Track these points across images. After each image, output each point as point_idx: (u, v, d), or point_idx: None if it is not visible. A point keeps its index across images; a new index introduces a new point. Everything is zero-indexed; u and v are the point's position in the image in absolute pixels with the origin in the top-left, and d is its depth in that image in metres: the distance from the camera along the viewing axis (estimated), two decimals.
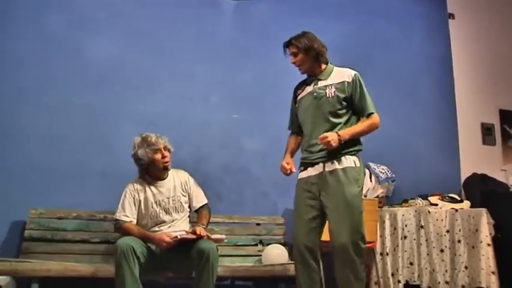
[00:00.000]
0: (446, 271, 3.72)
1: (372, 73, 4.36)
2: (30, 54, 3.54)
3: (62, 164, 3.48)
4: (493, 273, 3.69)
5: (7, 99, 3.44)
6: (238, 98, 4.06)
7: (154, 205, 2.92)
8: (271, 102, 4.04)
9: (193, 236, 2.78)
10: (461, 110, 4.88)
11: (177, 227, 2.93)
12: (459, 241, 3.80)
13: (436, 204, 3.99)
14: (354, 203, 2.54)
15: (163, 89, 3.85)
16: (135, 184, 2.96)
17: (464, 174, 4.69)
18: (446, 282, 3.70)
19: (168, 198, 2.95)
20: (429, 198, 4.09)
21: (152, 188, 2.96)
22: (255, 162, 3.97)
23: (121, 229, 2.86)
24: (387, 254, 3.65)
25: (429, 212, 3.82)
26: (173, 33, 3.97)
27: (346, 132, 2.59)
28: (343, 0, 4.62)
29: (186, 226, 3.00)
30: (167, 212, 2.94)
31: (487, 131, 5.03)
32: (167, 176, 3.02)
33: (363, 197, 3.86)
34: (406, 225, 3.76)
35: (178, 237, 2.75)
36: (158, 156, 2.89)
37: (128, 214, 2.86)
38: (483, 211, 3.88)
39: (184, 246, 2.74)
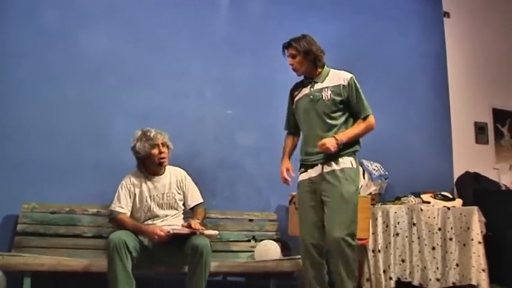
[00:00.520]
0: (437, 268, 3.75)
1: (367, 70, 4.39)
2: (26, 47, 3.51)
3: (56, 158, 3.47)
4: (483, 270, 3.72)
5: (1, 93, 3.41)
6: (232, 94, 4.06)
7: (149, 199, 2.94)
8: (265, 98, 4.05)
9: (186, 231, 2.79)
10: (455, 109, 4.91)
11: (170, 222, 2.95)
12: (451, 239, 3.82)
13: (429, 202, 4.02)
14: (350, 201, 2.62)
15: (158, 83, 3.84)
16: (131, 177, 2.98)
17: (457, 172, 4.72)
18: (438, 280, 3.72)
19: (162, 193, 2.98)
20: (422, 196, 4.12)
21: (148, 182, 2.98)
22: (248, 158, 3.98)
23: (115, 220, 2.89)
24: (379, 251, 3.67)
25: (421, 209, 3.84)
26: (169, 28, 3.96)
27: (344, 136, 2.66)
28: None
29: (179, 222, 3.00)
30: (161, 207, 2.96)
31: (480, 129, 5.06)
32: (164, 172, 3.04)
33: None
34: (398, 223, 3.78)
35: (171, 231, 2.75)
36: (155, 151, 2.92)
37: (122, 205, 2.89)
38: (475, 209, 3.90)
39: (177, 240, 2.75)
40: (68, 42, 3.64)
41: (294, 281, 3.45)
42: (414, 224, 3.79)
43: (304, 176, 2.78)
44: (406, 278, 3.71)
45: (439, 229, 3.83)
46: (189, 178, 3.12)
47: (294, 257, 3.15)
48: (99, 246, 3.23)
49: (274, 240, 3.54)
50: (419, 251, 3.76)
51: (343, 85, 2.72)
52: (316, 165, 2.71)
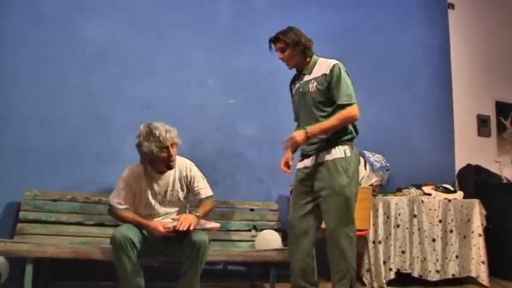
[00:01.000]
0: (437, 260, 3.77)
1: (370, 62, 4.38)
2: (27, 36, 3.51)
3: (58, 146, 3.48)
4: (482, 262, 3.74)
5: (3, 81, 3.42)
6: (235, 84, 4.05)
7: (150, 197, 2.80)
8: (267, 88, 4.04)
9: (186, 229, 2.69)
10: (458, 101, 4.89)
11: (171, 218, 2.86)
12: (451, 231, 3.84)
13: (430, 194, 4.02)
14: (342, 193, 2.59)
15: (160, 72, 3.84)
16: (134, 172, 2.79)
17: (459, 164, 4.71)
18: (437, 271, 3.74)
19: (165, 191, 2.83)
20: (423, 187, 4.12)
21: (151, 180, 2.81)
22: (250, 148, 3.98)
23: (115, 215, 2.79)
24: (379, 242, 3.68)
25: (422, 201, 3.85)
26: (171, 17, 3.95)
27: (317, 127, 2.60)
28: None
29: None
30: (162, 204, 2.84)
31: (482, 122, 5.05)
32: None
33: None
34: (399, 214, 3.79)
35: (171, 228, 2.68)
36: (164, 155, 2.70)
37: (122, 201, 2.74)
38: (476, 202, 3.91)
39: (177, 234, 2.69)
40: (69, 31, 3.63)
41: None
42: (415, 216, 3.80)
43: (300, 165, 2.80)
44: (406, 270, 3.73)
45: (440, 221, 3.84)
46: (194, 171, 2.91)
47: None
48: (101, 234, 3.26)
49: (275, 230, 3.56)
50: (420, 243, 3.77)
51: (325, 73, 2.66)
52: (311, 155, 2.72)
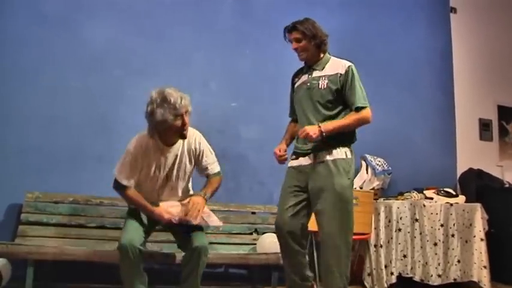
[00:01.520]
0: (439, 264, 3.76)
1: (372, 64, 4.38)
2: (29, 36, 3.51)
3: (59, 147, 3.48)
4: (484, 267, 3.73)
5: (4, 81, 3.42)
6: (237, 86, 4.05)
7: (157, 171, 2.65)
8: (270, 91, 4.04)
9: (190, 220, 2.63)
10: (460, 105, 4.89)
11: (176, 193, 2.75)
12: (453, 235, 3.83)
13: (432, 198, 4.02)
14: (343, 195, 2.51)
15: (161, 73, 3.83)
16: (141, 143, 2.61)
17: (461, 169, 4.71)
18: (439, 276, 3.73)
19: (173, 165, 2.67)
20: (425, 191, 4.11)
21: (159, 153, 2.64)
22: (252, 151, 3.98)
23: (119, 192, 2.65)
24: (381, 246, 3.67)
25: (424, 205, 3.84)
26: (173, 18, 3.95)
27: (330, 125, 2.53)
28: None
29: (187, 193, 2.82)
30: (169, 179, 2.69)
31: (484, 126, 5.05)
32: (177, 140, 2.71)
33: (359, 189, 3.92)
34: (400, 218, 3.78)
35: (176, 219, 2.62)
36: (178, 122, 2.52)
37: (128, 177, 2.59)
38: (478, 206, 3.91)
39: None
40: (71, 31, 3.64)
41: None
42: (416, 220, 3.79)
43: (293, 163, 2.68)
44: (407, 274, 3.72)
45: (442, 225, 3.83)
46: (203, 144, 2.75)
47: None
48: (102, 236, 3.26)
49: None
50: (421, 247, 3.76)
51: (341, 73, 2.60)
52: (309, 154, 2.61)
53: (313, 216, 2.63)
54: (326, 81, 2.61)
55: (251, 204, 3.76)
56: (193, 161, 2.74)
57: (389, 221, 3.76)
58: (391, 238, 3.72)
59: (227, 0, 4.18)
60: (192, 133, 2.72)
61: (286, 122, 3.03)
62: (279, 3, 4.25)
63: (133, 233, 2.56)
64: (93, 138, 3.56)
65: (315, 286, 2.74)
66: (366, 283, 3.66)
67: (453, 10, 5.08)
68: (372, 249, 3.65)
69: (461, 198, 4.11)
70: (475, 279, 3.75)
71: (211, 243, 3.44)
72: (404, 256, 3.74)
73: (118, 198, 3.17)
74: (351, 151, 2.63)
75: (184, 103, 2.52)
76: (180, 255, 2.76)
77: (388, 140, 4.35)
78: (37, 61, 3.52)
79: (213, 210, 3.57)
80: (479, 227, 3.83)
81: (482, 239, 3.80)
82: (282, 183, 2.73)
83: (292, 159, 2.72)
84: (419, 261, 3.75)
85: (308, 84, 2.66)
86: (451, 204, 3.90)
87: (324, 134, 2.49)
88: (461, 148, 4.80)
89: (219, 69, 4.02)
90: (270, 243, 3.37)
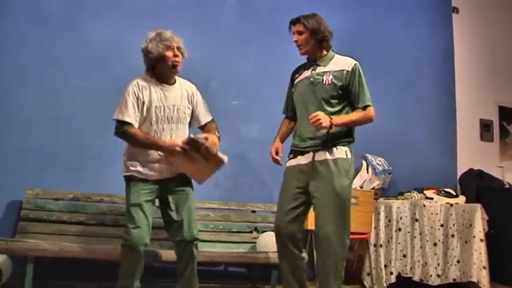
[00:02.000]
0: (438, 264, 3.76)
1: (373, 64, 4.36)
2: (31, 35, 3.52)
3: (60, 145, 3.48)
4: (484, 268, 3.73)
5: (6, 80, 3.42)
6: (238, 85, 4.05)
7: (157, 110, 2.62)
8: (271, 90, 4.03)
9: (204, 139, 2.60)
10: (461, 105, 4.88)
11: (176, 137, 2.67)
12: (453, 235, 3.83)
13: (432, 198, 4.02)
14: (343, 195, 2.51)
15: None
16: (140, 82, 2.66)
17: (461, 169, 4.71)
18: (438, 276, 3.74)
19: (173, 105, 2.67)
20: (425, 191, 4.11)
21: (158, 90, 2.65)
22: (252, 150, 3.97)
23: (124, 134, 2.59)
24: (381, 245, 3.67)
25: (424, 205, 3.84)
26: (175, 17, 3.94)
27: (340, 119, 2.54)
28: None
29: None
30: (169, 120, 2.66)
31: (485, 127, 5.04)
32: (175, 82, 2.75)
33: (359, 188, 3.93)
34: (400, 218, 3.78)
35: (192, 136, 2.56)
36: (169, 53, 2.62)
37: (130, 115, 2.57)
38: (478, 207, 3.90)
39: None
40: (73, 31, 3.64)
41: None
42: (416, 220, 3.79)
43: (292, 163, 2.66)
44: (406, 274, 3.72)
45: (441, 225, 3.83)
46: (198, 93, 2.84)
47: None
48: (101, 234, 3.27)
49: None
50: (421, 247, 3.77)
51: (347, 71, 2.61)
52: (308, 152, 2.59)
53: (312, 216, 2.64)
54: (331, 77, 2.61)
55: (251, 202, 3.76)
56: (190, 106, 2.78)
57: (389, 221, 3.76)
58: (391, 238, 3.72)
59: (229, 0, 4.17)
60: (189, 83, 2.83)
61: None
62: (281, 3, 4.24)
63: (143, 229, 2.52)
64: (94, 137, 3.55)
65: None
66: (365, 282, 3.66)
67: (455, 10, 5.07)
68: (372, 248, 3.65)
69: (462, 199, 4.11)
70: (474, 279, 3.75)
71: (211, 241, 3.46)
72: (404, 256, 3.74)
73: (118, 195, 3.20)
74: (351, 151, 2.63)
75: (176, 38, 2.66)
76: (164, 252, 2.80)
77: (389, 140, 4.35)
78: (39, 61, 3.53)
79: (213, 208, 3.62)
80: (479, 227, 3.83)
81: (482, 240, 3.80)
82: (281, 183, 2.72)
83: (290, 158, 2.70)
84: (419, 261, 3.75)
85: (311, 79, 2.65)
86: (451, 205, 3.90)
87: (333, 126, 2.50)
88: (461, 148, 4.80)
89: (220, 68, 4.01)
90: (270, 241, 3.37)
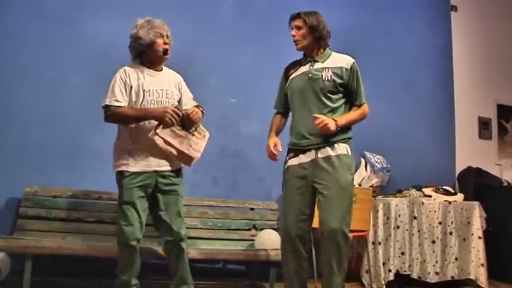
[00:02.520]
0: (436, 262, 3.77)
1: (372, 62, 4.37)
2: (29, 32, 3.51)
3: (59, 142, 3.48)
4: (482, 265, 3.74)
5: (5, 77, 3.42)
6: (237, 82, 4.04)
7: (147, 94, 2.63)
8: (270, 87, 3.98)
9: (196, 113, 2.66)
10: (460, 103, 4.89)
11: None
12: (451, 233, 3.84)
13: (430, 196, 4.02)
14: (347, 191, 2.54)
15: None
16: (127, 68, 2.67)
17: (459, 167, 4.72)
18: (436, 273, 3.74)
19: (162, 90, 2.68)
20: (423, 189, 4.12)
21: (146, 75, 2.67)
22: (251, 147, 3.97)
23: (113, 115, 2.59)
24: (379, 243, 3.68)
25: (423, 203, 3.85)
26: (174, 14, 3.92)
27: (343, 120, 2.58)
28: None
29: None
30: (158, 104, 2.65)
31: (484, 125, 5.05)
32: (162, 69, 2.77)
33: (358, 186, 3.93)
34: (399, 216, 3.78)
35: (182, 112, 2.61)
36: (160, 40, 2.64)
37: (118, 98, 2.58)
38: (476, 204, 3.91)
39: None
40: (72, 28, 3.63)
41: None
42: (415, 218, 3.80)
43: (293, 161, 2.64)
44: (405, 271, 3.72)
45: (440, 223, 3.84)
46: (184, 82, 2.88)
47: None
48: (100, 231, 3.26)
49: (274, 229, 3.55)
50: (419, 244, 3.77)
51: (346, 68, 2.64)
52: (309, 150, 2.59)
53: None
54: (330, 73, 2.63)
55: (250, 200, 3.76)
56: (178, 93, 2.80)
57: (388, 219, 3.76)
58: (389, 235, 3.73)
59: None
60: (175, 72, 2.85)
61: None
62: (280, 1, 4.23)
63: (135, 225, 2.56)
64: (92, 134, 3.54)
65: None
66: (363, 280, 3.66)
67: (454, 8, 5.08)
68: (370, 246, 3.65)
69: (460, 197, 4.12)
70: (472, 277, 3.76)
71: (209, 239, 3.46)
72: (402, 253, 3.75)
73: (117, 193, 3.18)
74: (351, 148, 2.66)
75: (165, 27, 2.69)
76: (161, 249, 2.81)
77: (388, 138, 4.36)
78: (38, 58, 3.52)
79: (211, 206, 3.61)
80: (477, 225, 3.84)
81: (480, 237, 3.81)
82: (281, 182, 2.72)
83: (290, 158, 2.69)
84: (417, 258, 3.76)
85: (310, 75, 2.65)
86: (450, 202, 3.91)
87: (338, 128, 2.54)
88: (460, 146, 4.81)
89: (219, 66, 4.01)
90: (268, 239, 3.39)
